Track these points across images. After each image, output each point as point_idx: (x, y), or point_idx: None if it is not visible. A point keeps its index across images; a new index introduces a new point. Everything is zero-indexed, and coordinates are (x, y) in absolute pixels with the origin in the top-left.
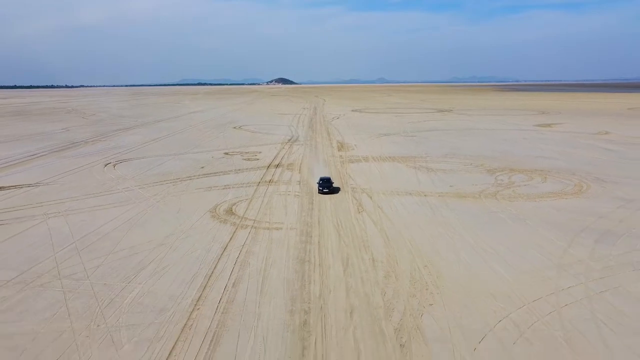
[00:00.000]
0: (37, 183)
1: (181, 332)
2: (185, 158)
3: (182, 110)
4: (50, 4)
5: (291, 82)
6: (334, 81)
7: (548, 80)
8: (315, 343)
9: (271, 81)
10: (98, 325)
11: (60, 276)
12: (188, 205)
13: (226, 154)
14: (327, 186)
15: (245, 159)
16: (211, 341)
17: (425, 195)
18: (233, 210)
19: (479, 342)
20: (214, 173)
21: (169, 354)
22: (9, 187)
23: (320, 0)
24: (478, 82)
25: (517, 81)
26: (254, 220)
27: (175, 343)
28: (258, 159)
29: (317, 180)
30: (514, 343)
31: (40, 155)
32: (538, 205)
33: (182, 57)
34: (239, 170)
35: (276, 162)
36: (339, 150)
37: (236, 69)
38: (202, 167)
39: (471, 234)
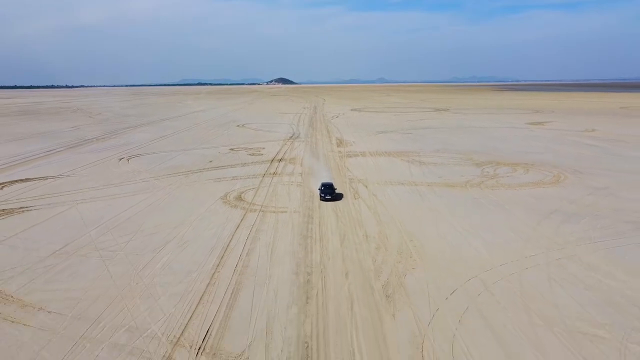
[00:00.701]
0: (59, 175)
1: (206, 287)
2: (194, 153)
3: (185, 110)
4: (51, 4)
5: (291, 82)
6: (333, 81)
7: (548, 80)
8: (316, 295)
9: (271, 81)
10: (137, 283)
11: (97, 248)
12: (201, 193)
13: (231, 149)
14: (329, 192)
15: (250, 154)
16: (232, 293)
17: (415, 185)
18: (242, 197)
19: (450, 294)
20: (222, 166)
21: (198, 302)
22: (34, 179)
23: (320, 0)
24: (478, 82)
25: (517, 81)
26: (261, 205)
27: (202, 295)
28: (262, 154)
29: (319, 186)
30: (478, 294)
31: (57, 151)
32: (517, 193)
33: (181, 57)
34: (245, 164)
35: (279, 157)
36: (338, 146)
37: (236, 69)
38: (210, 161)
39: (454, 216)
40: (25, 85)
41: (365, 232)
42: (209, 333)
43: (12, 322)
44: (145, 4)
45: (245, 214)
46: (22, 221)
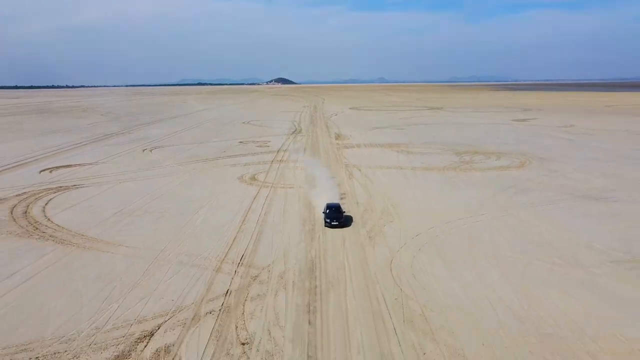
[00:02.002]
0: (95, 162)
1: (237, 233)
2: (207, 146)
3: (189, 109)
4: (50, 4)
5: (291, 82)
6: (333, 81)
7: (548, 80)
8: (319, 237)
9: (271, 81)
10: (185, 231)
11: (147, 211)
12: (220, 175)
13: (241, 142)
14: (336, 217)
15: (258, 146)
16: (256, 236)
17: (401, 169)
18: (255, 178)
19: (416, 236)
20: (235, 155)
21: (233, 241)
22: (74, 165)
23: (320, 0)
24: (477, 81)
25: (517, 80)
26: (272, 183)
27: (235, 237)
28: (268, 146)
29: (323, 208)
30: (436, 236)
31: (84, 144)
32: (485, 174)
33: (181, 57)
34: (255, 153)
35: (284, 148)
36: (336, 139)
37: (235, 68)
38: (224, 151)
39: (428, 190)
40: (26, 85)
41: (356, 200)
42: (243, 256)
43: (104, 252)
44: (145, 4)
45: (259, 189)
46: (79, 195)
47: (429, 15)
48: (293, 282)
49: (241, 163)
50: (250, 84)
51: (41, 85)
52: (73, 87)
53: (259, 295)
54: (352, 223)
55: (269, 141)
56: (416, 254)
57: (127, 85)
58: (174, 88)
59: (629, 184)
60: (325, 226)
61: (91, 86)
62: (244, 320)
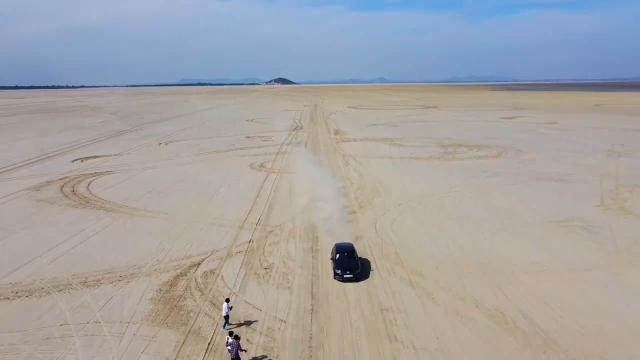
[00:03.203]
0: (118, 154)
1: (252, 205)
2: (217, 140)
3: (193, 108)
4: (50, 4)
5: (290, 82)
6: (333, 81)
7: (548, 80)
8: (320, 208)
9: (270, 81)
10: (209, 204)
11: (174, 190)
12: (232, 164)
13: (247, 137)
14: (350, 267)
15: (263, 140)
16: (268, 207)
17: (392, 158)
18: (263, 165)
19: (398, 206)
20: (243, 148)
21: (250, 211)
22: (101, 156)
23: (320, 0)
24: (477, 81)
25: (517, 80)
26: (279, 169)
27: (251, 208)
28: (273, 140)
29: (331, 252)
30: (414, 206)
31: (102, 139)
32: (464, 162)
33: (181, 58)
34: (261, 146)
35: (287, 142)
36: (335, 135)
37: (235, 69)
38: (233, 145)
39: (413, 175)
40: (26, 85)
41: (351, 181)
42: (260, 219)
43: (148, 217)
44: (145, 4)
45: (268, 174)
46: (113, 178)
47: (429, 15)
48: (300, 234)
49: (249, 154)
50: (250, 84)
51: (41, 85)
52: (73, 87)
53: (274, 242)
54: (346, 198)
55: (273, 136)
56: (396, 217)
57: (126, 86)
58: (174, 88)
59: (585, 170)
60: (334, 278)
61: (91, 86)
62: (265, 256)
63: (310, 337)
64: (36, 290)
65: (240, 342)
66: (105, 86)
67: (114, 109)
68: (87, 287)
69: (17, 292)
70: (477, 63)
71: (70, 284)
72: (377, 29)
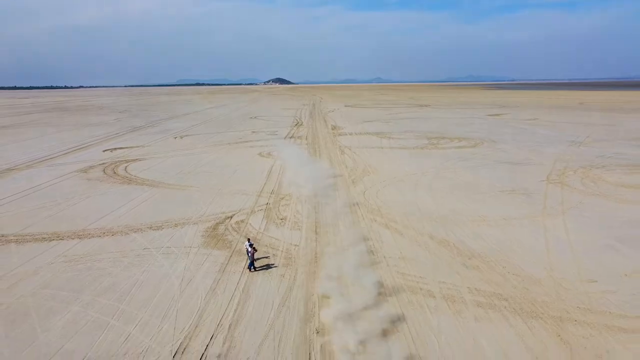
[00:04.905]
0: (142, 145)
1: (265, 181)
2: (226, 135)
3: (197, 107)
4: (49, 4)
5: (288, 82)
6: (330, 81)
7: (544, 79)
8: (321, 184)
9: (268, 81)
10: (231, 181)
11: (199, 172)
12: (243, 153)
13: (253, 132)
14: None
15: (268, 134)
16: (279, 183)
17: (381, 148)
18: (271, 154)
19: (383, 181)
20: (251, 140)
21: (264, 185)
22: (127, 147)
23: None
24: (474, 81)
25: (514, 80)
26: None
27: (264, 185)
28: (277, 134)
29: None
30: (396, 182)
31: (122, 134)
32: (443, 151)
33: (179, 58)
34: (267, 139)
35: (290, 135)
36: (332, 130)
37: (233, 69)
38: (241, 138)
39: (398, 161)
40: (24, 86)
41: (345, 165)
42: (273, 190)
43: (183, 190)
44: (145, 4)
45: (275, 161)
46: (145, 164)
47: (426, 14)
48: (305, 200)
49: (257, 145)
50: (249, 84)
51: (39, 85)
52: (72, 87)
53: (286, 204)
54: (342, 177)
55: (277, 131)
56: (380, 189)
57: (125, 86)
58: (173, 88)
59: (545, 156)
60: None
61: (90, 87)
62: (280, 212)
63: (315, 254)
64: (117, 232)
65: (254, 247)
66: (104, 86)
67: (122, 108)
68: (154, 230)
69: (104, 233)
70: (474, 63)
71: (140, 229)
72: (374, 28)
